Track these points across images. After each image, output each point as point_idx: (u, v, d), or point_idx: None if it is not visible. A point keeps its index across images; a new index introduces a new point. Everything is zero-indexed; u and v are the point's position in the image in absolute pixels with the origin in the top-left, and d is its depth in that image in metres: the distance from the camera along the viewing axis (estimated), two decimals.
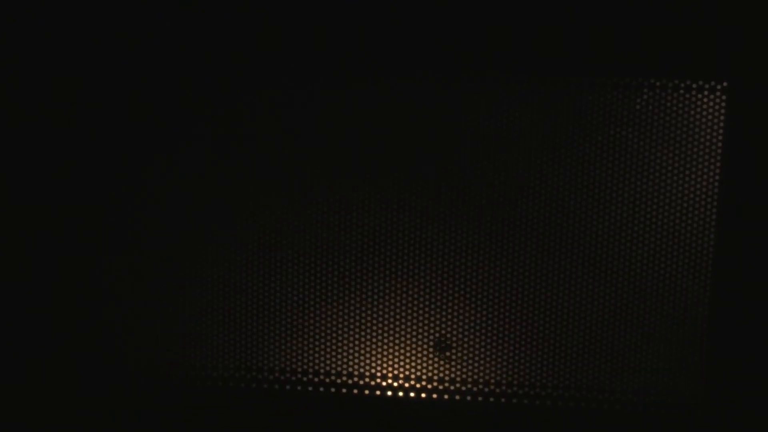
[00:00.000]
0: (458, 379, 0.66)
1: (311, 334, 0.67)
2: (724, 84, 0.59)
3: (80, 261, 0.71)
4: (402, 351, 0.67)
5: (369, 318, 0.66)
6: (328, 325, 0.67)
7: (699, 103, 0.60)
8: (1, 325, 0.74)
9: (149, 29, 0.72)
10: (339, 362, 0.67)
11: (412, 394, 0.66)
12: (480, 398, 0.65)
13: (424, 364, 0.66)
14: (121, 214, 0.71)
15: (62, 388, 0.73)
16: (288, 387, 0.67)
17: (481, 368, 0.66)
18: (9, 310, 0.74)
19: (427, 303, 0.66)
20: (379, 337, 0.66)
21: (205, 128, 0.69)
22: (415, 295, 0.66)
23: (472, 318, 0.65)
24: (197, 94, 0.70)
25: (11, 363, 0.74)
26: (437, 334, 0.66)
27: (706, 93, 0.60)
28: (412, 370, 0.67)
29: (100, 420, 0.73)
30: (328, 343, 0.67)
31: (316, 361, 0.67)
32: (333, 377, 0.67)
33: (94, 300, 0.71)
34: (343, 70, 0.66)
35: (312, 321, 0.67)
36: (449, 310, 0.65)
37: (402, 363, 0.67)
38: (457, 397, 0.66)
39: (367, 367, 0.67)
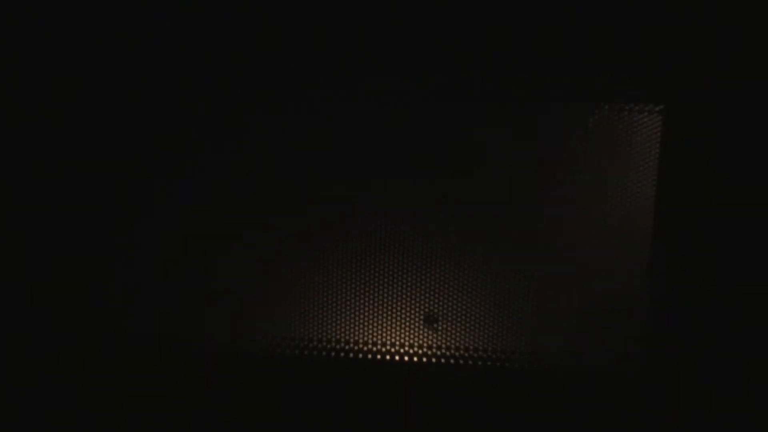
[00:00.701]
0: (443, 346, 0.76)
1: (324, 311, 0.76)
2: (661, 107, 0.69)
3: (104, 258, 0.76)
4: (397, 324, 0.76)
5: (371, 298, 0.76)
6: (338, 304, 0.76)
7: (640, 122, 0.70)
8: (31, 307, 0.76)
9: (149, 29, 0.69)
10: (346, 333, 0.76)
11: (406, 359, 0.76)
12: (461, 362, 0.75)
13: (416, 335, 0.76)
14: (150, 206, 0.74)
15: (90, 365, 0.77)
16: (306, 353, 0.76)
17: (463, 338, 0.75)
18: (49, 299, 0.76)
19: (418, 285, 0.75)
20: (379, 313, 0.76)
21: (205, 127, 0.72)
22: (409, 279, 0.75)
23: (456, 297, 0.75)
24: (197, 94, 0.71)
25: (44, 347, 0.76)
26: (426, 310, 0.75)
27: (646, 114, 0.70)
28: (406, 339, 0.76)
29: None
30: (338, 318, 0.76)
31: (328, 332, 0.76)
32: (342, 344, 0.77)
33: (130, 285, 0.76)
34: (338, 89, 0.69)
35: (326, 301, 0.76)
36: (437, 291, 0.75)
37: (397, 333, 0.76)
38: (443, 361, 0.75)
39: (370, 337, 0.76)
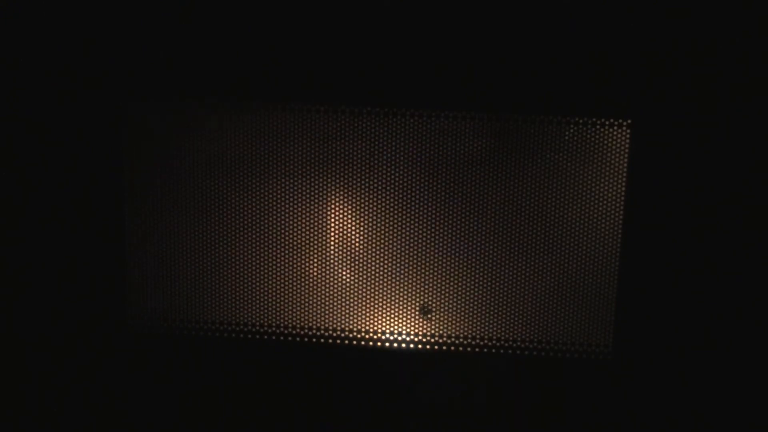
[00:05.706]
0: (436, 334, 0.83)
1: (330, 302, 0.83)
2: (629, 121, 0.78)
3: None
4: (395, 314, 0.83)
5: (372, 291, 0.82)
6: (341, 295, 0.83)
7: (611, 135, 0.79)
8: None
9: (149, 29, 0.70)
10: (342, 322, 0.83)
11: (403, 345, 0.83)
12: (452, 348, 0.83)
13: (412, 324, 0.83)
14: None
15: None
16: (314, 341, 0.83)
17: (454, 327, 0.83)
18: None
19: (414, 278, 0.82)
20: (379, 304, 0.83)
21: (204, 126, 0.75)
22: (406, 274, 0.82)
23: (448, 291, 0.82)
24: (197, 93, 0.72)
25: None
26: (422, 302, 0.83)
27: (615, 128, 0.79)
28: (404, 328, 0.83)
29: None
30: (341, 308, 0.83)
31: (330, 321, 0.83)
32: (347, 333, 0.83)
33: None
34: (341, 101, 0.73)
35: (329, 293, 0.83)
36: (431, 285, 0.82)
37: (395, 323, 0.83)
38: (436, 348, 0.83)
39: (371, 326, 0.83)
